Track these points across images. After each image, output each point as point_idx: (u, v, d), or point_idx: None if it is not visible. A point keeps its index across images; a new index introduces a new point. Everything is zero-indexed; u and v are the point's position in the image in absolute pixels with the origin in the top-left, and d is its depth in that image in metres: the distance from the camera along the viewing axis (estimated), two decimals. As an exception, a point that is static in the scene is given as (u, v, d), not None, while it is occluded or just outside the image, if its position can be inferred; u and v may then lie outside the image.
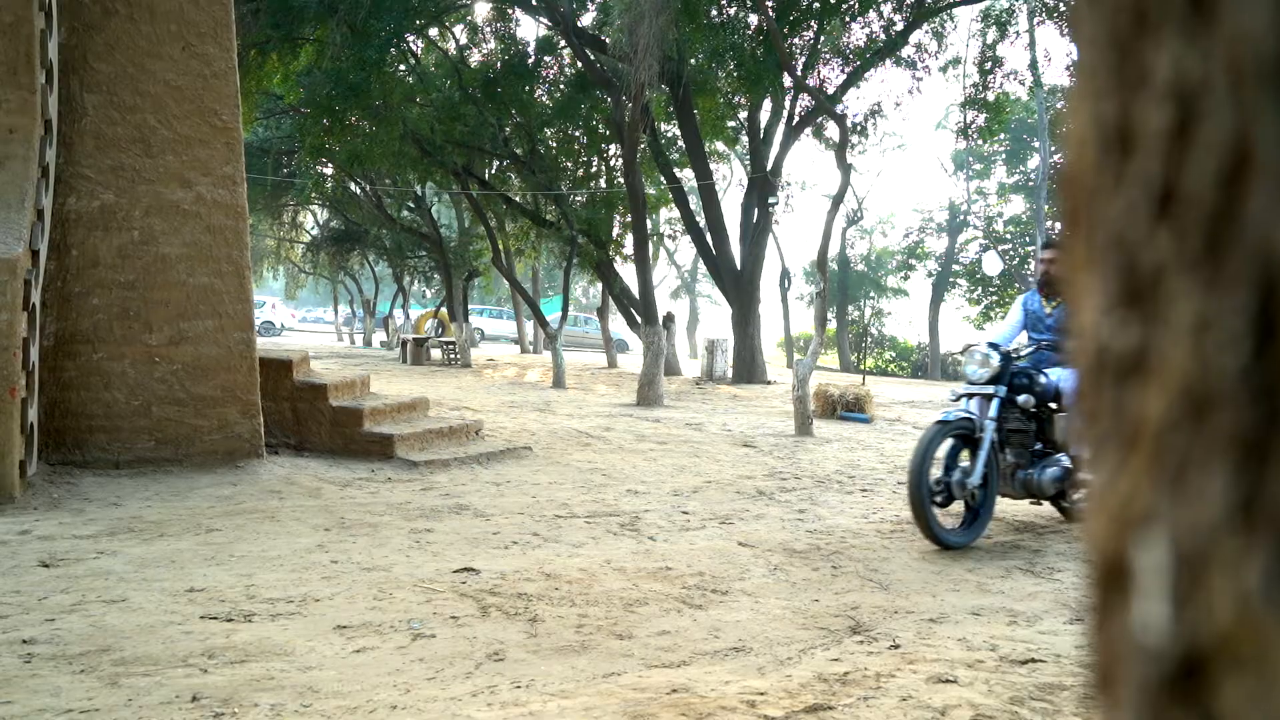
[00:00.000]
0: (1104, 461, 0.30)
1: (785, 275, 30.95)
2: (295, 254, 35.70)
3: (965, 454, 5.06)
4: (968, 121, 16.94)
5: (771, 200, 18.15)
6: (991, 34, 16.45)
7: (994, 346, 5.14)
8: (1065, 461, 5.10)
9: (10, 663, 2.78)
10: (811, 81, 16.22)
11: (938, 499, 4.79)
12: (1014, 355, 5.17)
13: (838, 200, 10.90)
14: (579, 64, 17.52)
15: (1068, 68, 16.34)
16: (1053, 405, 5.24)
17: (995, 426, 5.04)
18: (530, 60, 18.84)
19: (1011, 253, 30.76)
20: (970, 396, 5.04)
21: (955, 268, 33.19)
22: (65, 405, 6.09)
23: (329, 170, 23.50)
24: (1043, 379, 5.19)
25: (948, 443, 4.96)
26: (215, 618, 3.29)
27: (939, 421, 4.86)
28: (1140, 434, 0.28)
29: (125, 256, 6.28)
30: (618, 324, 27.46)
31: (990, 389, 4.98)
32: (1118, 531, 0.29)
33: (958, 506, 5.17)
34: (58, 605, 3.37)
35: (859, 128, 17.75)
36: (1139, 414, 0.29)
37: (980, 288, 32.19)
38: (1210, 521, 0.26)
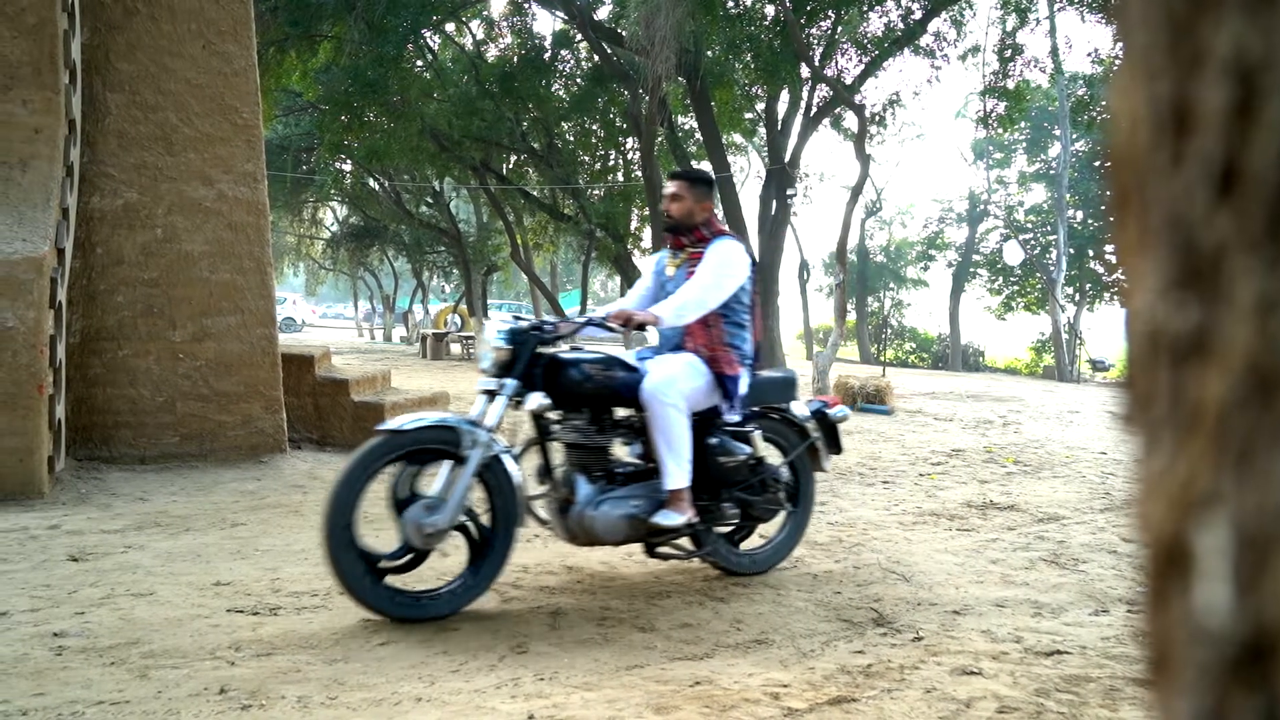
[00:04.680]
0: (1160, 444, 0.30)
1: (804, 267, 30.86)
2: (315, 250, 35.92)
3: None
4: (988, 110, 16.79)
5: (790, 192, 18.07)
6: (1011, 21, 16.28)
7: (520, 319, 3.65)
8: (656, 491, 3.62)
9: (42, 655, 2.82)
10: (829, 72, 16.13)
11: (386, 551, 3.32)
12: (544, 331, 3.54)
13: (856, 191, 10.85)
14: (595, 57, 17.50)
15: (1090, 54, 16.16)
16: (629, 409, 3.73)
17: (520, 438, 3.72)
18: (547, 54, 18.84)
19: (1033, 242, 30.50)
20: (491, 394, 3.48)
21: (975, 258, 32.95)
22: (91, 402, 6.15)
23: (348, 166, 23.60)
24: (617, 372, 3.66)
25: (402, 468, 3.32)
26: (241, 611, 3.32)
27: (387, 431, 3.26)
28: (1201, 415, 0.28)
29: (149, 254, 6.34)
30: (636, 317, 27.37)
31: (495, 384, 3.48)
32: (1176, 514, 0.29)
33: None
34: (87, 599, 3.41)
35: (877, 118, 17.64)
36: (1199, 395, 0.28)
37: (1001, 278, 31.96)
38: (1277, 503, 0.25)
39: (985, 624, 3.39)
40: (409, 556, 3.34)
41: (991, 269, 32.30)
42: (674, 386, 3.58)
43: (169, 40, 6.42)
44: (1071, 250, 27.04)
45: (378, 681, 2.70)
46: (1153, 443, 0.31)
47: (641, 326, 3.59)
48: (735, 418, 3.86)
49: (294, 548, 4.31)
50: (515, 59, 18.63)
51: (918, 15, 15.86)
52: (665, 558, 3.88)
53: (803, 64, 14.21)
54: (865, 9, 15.40)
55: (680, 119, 19.01)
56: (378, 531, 4.11)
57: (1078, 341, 26.46)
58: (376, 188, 25.75)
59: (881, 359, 25.14)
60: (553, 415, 3.66)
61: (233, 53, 6.60)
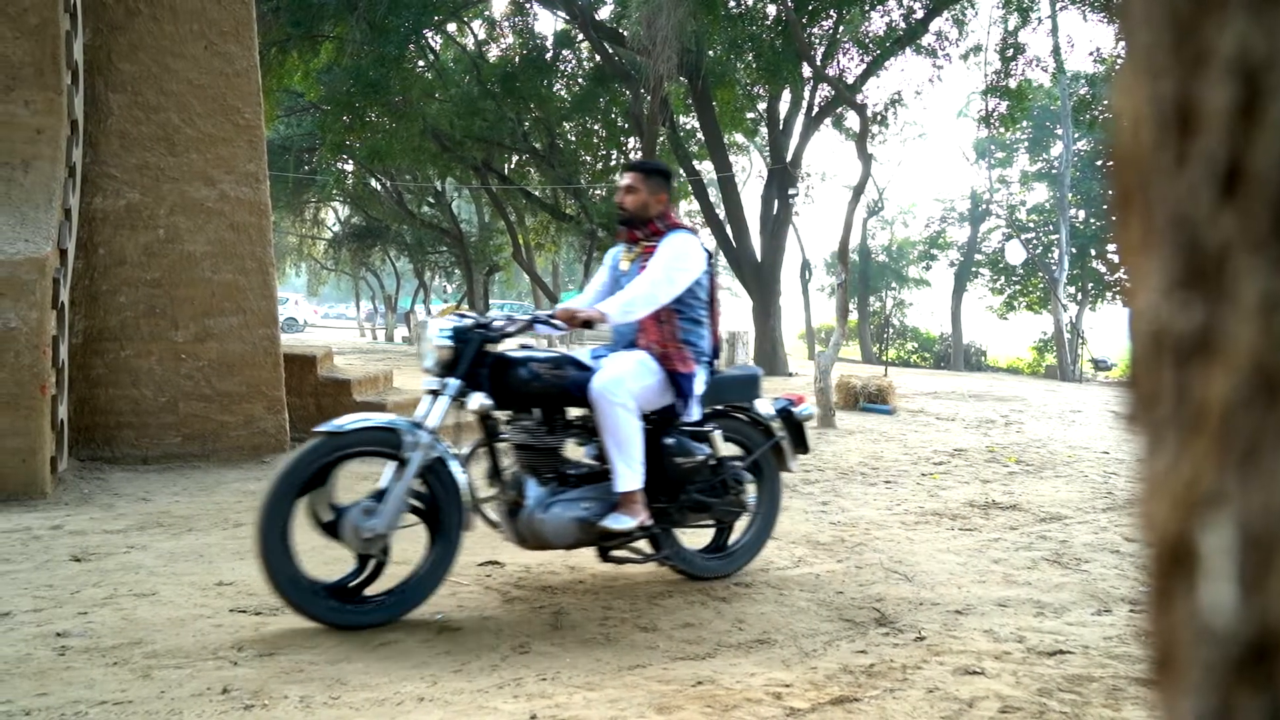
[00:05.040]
0: (1165, 444, 0.30)
1: (806, 266, 30.86)
2: (317, 250, 35.95)
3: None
4: (989, 109, 16.78)
5: (791, 191, 18.08)
6: (1013, 20, 16.28)
7: (464, 316, 3.53)
8: (608, 493, 3.52)
9: (45, 655, 2.83)
10: (831, 71, 16.13)
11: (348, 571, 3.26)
12: (489, 329, 3.43)
13: (858, 191, 10.84)
14: (597, 57, 17.51)
15: (1092, 53, 16.15)
16: (583, 409, 3.59)
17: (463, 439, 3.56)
18: (548, 54, 18.86)
19: (1035, 241, 30.48)
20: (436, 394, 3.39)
21: (977, 257, 32.94)
22: (94, 402, 6.16)
23: (350, 167, 23.63)
24: (569, 371, 3.54)
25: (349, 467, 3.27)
26: (244, 611, 3.33)
27: (325, 432, 3.17)
28: (1205, 415, 0.28)
29: (151, 254, 6.35)
30: (638, 317, 27.41)
31: (438, 383, 3.39)
32: (1181, 514, 0.29)
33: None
34: (90, 599, 3.42)
35: (879, 117, 17.64)
36: (1203, 395, 0.28)
37: (1003, 277, 31.94)
38: (1282, 502, 0.25)
39: (988, 624, 3.39)
40: (373, 566, 3.26)
41: (993, 268, 32.29)
42: (622, 385, 3.46)
43: (171, 41, 6.43)
44: (1074, 250, 27.03)
45: (380, 681, 2.70)
46: (1157, 442, 0.31)
47: (587, 324, 3.49)
48: (693, 417, 3.73)
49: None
50: (517, 59, 18.65)
51: (919, 14, 15.86)
52: (620, 561, 3.74)
53: (804, 63, 14.21)
54: (867, 8, 15.40)
55: (682, 119, 19.02)
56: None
57: (1080, 341, 26.45)
58: (378, 188, 25.78)
59: (883, 359, 25.13)
60: (501, 416, 3.56)
61: (235, 53, 6.60)
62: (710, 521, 3.96)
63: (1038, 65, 16.81)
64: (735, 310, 46.79)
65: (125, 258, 6.29)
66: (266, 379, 6.57)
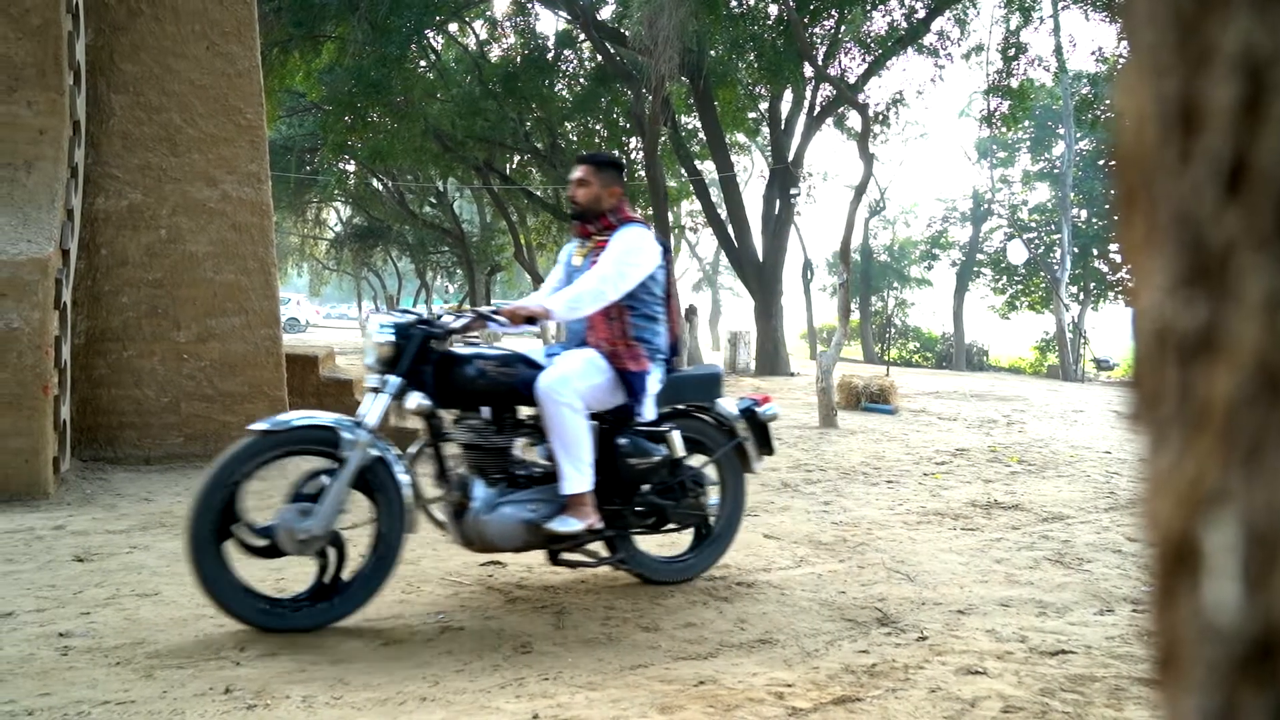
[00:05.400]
0: (1168, 442, 0.30)
1: (808, 266, 30.86)
2: (319, 251, 35.98)
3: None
4: (991, 109, 16.77)
5: (793, 191, 18.08)
6: (1015, 20, 16.27)
7: (408, 312, 3.48)
8: (558, 495, 3.42)
9: (48, 655, 2.83)
10: (832, 71, 16.13)
11: (257, 547, 3.12)
12: (432, 326, 3.36)
13: (860, 190, 10.84)
14: (599, 57, 17.51)
15: (1094, 53, 16.14)
16: (524, 408, 3.51)
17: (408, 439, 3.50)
18: (550, 54, 18.87)
19: (1037, 241, 30.46)
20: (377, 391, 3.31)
21: (979, 257, 32.92)
22: (96, 402, 6.17)
23: (351, 167, 23.65)
24: (518, 369, 3.44)
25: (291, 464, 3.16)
26: (247, 611, 3.33)
27: (258, 431, 3.11)
28: (1209, 413, 0.28)
29: (153, 255, 6.35)
30: (639, 317, 27.43)
31: (379, 380, 3.30)
32: (1185, 512, 0.29)
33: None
34: (92, 599, 3.42)
35: (881, 117, 17.63)
36: (1207, 393, 0.28)
37: (1005, 277, 31.92)
38: (1286, 500, 0.25)
39: (990, 623, 3.39)
40: (335, 557, 3.18)
41: (995, 268, 32.26)
42: (568, 384, 3.37)
43: (173, 41, 6.43)
44: (1076, 249, 27.00)
45: (382, 681, 2.70)
46: (1160, 441, 0.31)
47: (531, 320, 3.40)
48: (648, 417, 3.62)
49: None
50: (518, 59, 18.66)
51: (921, 14, 15.86)
52: (572, 565, 3.65)
53: (806, 63, 14.21)
54: (869, 8, 15.40)
55: (683, 119, 19.02)
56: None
57: (1082, 341, 26.42)
58: (380, 188, 25.80)
59: (885, 358, 25.11)
60: (447, 415, 3.47)
61: (236, 54, 6.61)
62: (669, 525, 3.83)
63: (1040, 65, 16.81)
64: (737, 310, 46.84)
65: (127, 258, 6.30)
66: (268, 379, 6.57)
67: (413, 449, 3.44)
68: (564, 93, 19.41)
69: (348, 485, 3.13)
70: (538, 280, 23.41)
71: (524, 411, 3.56)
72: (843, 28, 16.10)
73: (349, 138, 18.00)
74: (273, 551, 3.12)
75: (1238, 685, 0.27)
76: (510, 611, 3.43)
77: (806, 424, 9.72)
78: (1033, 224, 31.62)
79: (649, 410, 3.62)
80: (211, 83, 6.52)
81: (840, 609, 3.58)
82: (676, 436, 3.74)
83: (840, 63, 17.07)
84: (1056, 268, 25.61)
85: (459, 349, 3.45)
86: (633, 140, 19.04)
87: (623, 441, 3.57)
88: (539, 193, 20.84)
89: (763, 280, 17.69)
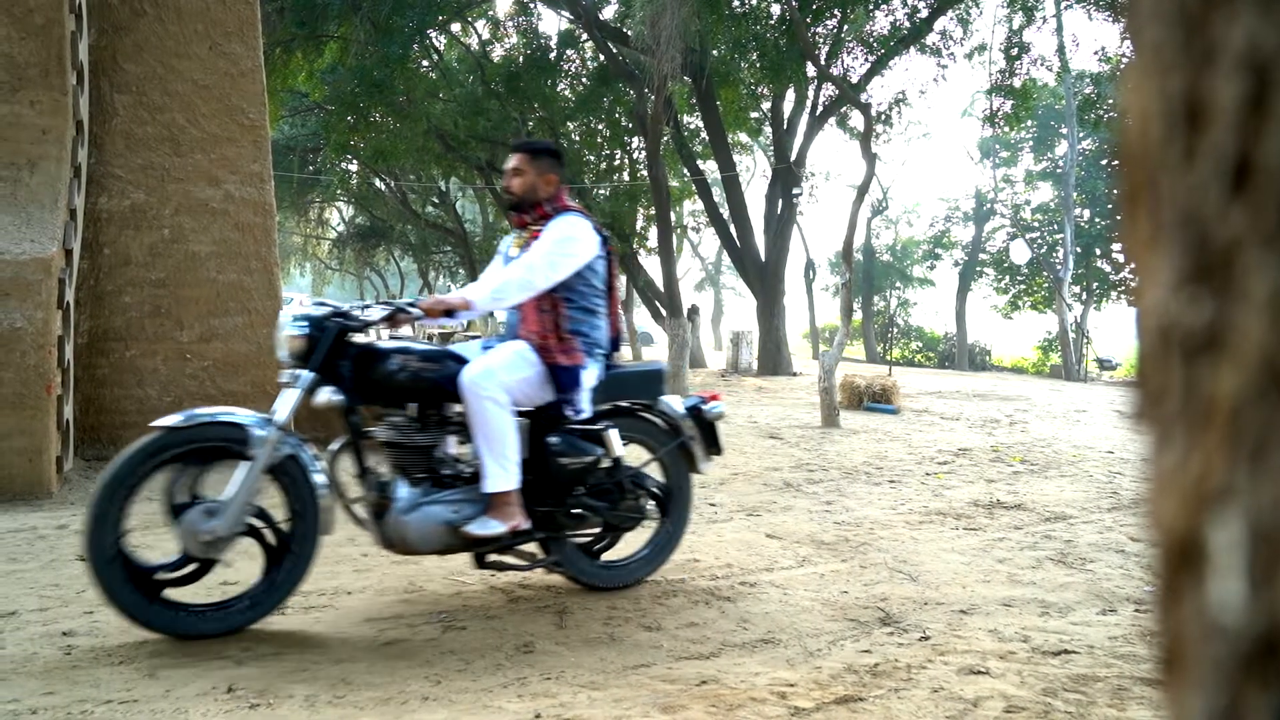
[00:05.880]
0: (1173, 440, 0.30)
1: (810, 266, 30.86)
2: (322, 250, 36.01)
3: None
4: (994, 109, 16.76)
5: (795, 191, 18.07)
6: (1018, 19, 16.25)
7: (323, 304, 3.30)
8: (477, 493, 3.30)
9: (52, 654, 2.83)
10: (835, 70, 16.12)
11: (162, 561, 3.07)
12: (348, 318, 3.21)
13: (862, 190, 10.83)
14: (601, 57, 17.51)
15: (1097, 52, 16.11)
16: (456, 405, 3.34)
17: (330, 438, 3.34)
18: (552, 54, 18.87)
19: (1039, 241, 30.44)
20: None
21: (982, 257, 32.91)
22: (99, 402, 6.18)
23: (354, 167, 23.66)
24: (444, 364, 3.31)
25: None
26: (249, 610, 3.33)
27: (162, 427, 2.97)
28: (1214, 410, 0.28)
29: (156, 254, 6.36)
30: (642, 317, 27.49)
31: (290, 375, 3.19)
32: (1189, 510, 0.29)
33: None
34: (95, 598, 3.41)
35: (883, 117, 17.62)
36: (1212, 390, 0.28)
37: (1008, 277, 31.90)
38: (1291, 498, 0.25)
39: (992, 623, 3.39)
40: (192, 567, 3.05)
41: (998, 268, 32.25)
42: (493, 378, 3.23)
43: (175, 41, 6.44)
44: (1078, 249, 26.99)
45: (385, 680, 2.70)
46: (1165, 438, 0.31)
47: (450, 313, 3.27)
48: (582, 414, 3.46)
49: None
50: (521, 59, 18.66)
51: (924, 14, 15.85)
52: (500, 568, 3.48)
53: (809, 63, 14.20)
54: (871, 8, 15.39)
55: (686, 118, 19.02)
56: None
57: (1085, 340, 26.40)
58: (382, 188, 25.81)
59: (888, 358, 25.10)
60: (368, 411, 3.32)
61: (239, 54, 6.62)
62: (605, 527, 3.69)
63: (1042, 64, 16.79)
64: (739, 310, 46.84)
65: (130, 258, 6.31)
66: (271, 379, 6.57)
67: (334, 446, 3.32)
68: (566, 92, 19.41)
69: (255, 485, 3.01)
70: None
71: (457, 408, 3.38)
72: (845, 27, 16.09)
73: (351, 137, 18.02)
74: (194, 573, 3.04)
75: (1242, 683, 0.27)
76: (512, 611, 3.43)
77: (809, 424, 9.71)
78: (1035, 223, 31.60)
79: (584, 407, 3.47)
80: (214, 83, 6.53)
81: (843, 609, 3.58)
82: (614, 435, 3.58)
83: (843, 62, 17.06)
84: (1059, 267, 25.59)
85: (382, 343, 3.30)
86: (635, 140, 19.03)
87: (554, 440, 3.42)
88: (541, 192, 20.83)
89: (765, 280, 17.68)
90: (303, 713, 2.45)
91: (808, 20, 14.36)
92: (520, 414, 3.38)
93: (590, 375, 3.49)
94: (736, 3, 14.80)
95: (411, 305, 3.28)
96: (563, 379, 3.39)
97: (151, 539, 4.08)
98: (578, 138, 19.92)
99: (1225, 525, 0.28)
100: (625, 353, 23.63)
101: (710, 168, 20.00)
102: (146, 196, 6.36)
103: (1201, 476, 0.29)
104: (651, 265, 19.58)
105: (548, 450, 3.41)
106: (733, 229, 17.97)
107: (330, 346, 3.15)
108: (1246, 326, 0.27)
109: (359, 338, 3.28)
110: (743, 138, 21.86)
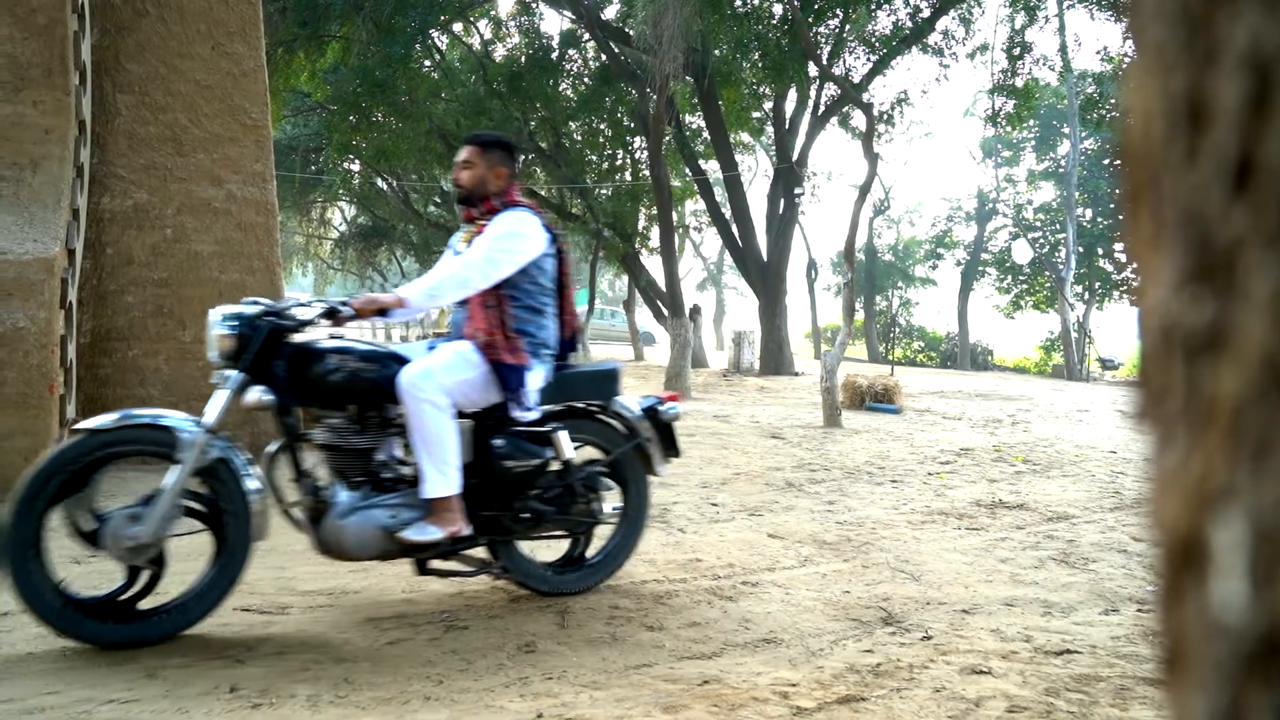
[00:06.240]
0: (1175, 439, 0.30)
1: (812, 266, 30.85)
2: (324, 250, 36.03)
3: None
4: (996, 108, 16.75)
5: (797, 190, 18.05)
6: (1020, 19, 16.25)
7: (257, 302, 3.19)
8: (418, 498, 3.19)
9: (53, 654, 2.84)
10: (837, 70, 16.11)
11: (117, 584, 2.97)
12: (281, 316, 3.12)
13: (864, 190, 10.83)
14: (603, 57, 17.51)
15: (1099, 52, 16.10)
16: (386, 410, 3.24)
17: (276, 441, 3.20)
18: (554, 54, 18.86)
19: (1041, 240, 30.42)
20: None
21: (984, 256, 32.88)
22: (102, 401, 6.18)
23: (356, 167, 23.67)
24: (385, 364, 3.21)
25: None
26: (251, 610, 3.34)
27: (85, 430, 2.89)
28: (1216, 410, 0.28)
29: (158, 254, 6.37)
30: (644, 317, 27.48)
31: (219, 376, 3.09)
32: (1192, 510, 0.29)
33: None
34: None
35: (885, 116, 17.62)
36: (1214, 390, 0.28)
37: (1010, 276, 31.88)
38: (1293, 498, 0.25)
39: (995, 623, 3.38)
40: (146, 575, 2.97)
41: (1000, 267, 32.23)
42: (431, 379, 3.13)
43: (178, 41, 6.45)
44: (1080, 249, 26.96)
45: (387, 680, 2.71)
46: (1167, 438, 0.31)
47: (383, 311, 3.19)
48: (529, 415, 3.36)
49: (301, 547, 4.32)
50: (523, 58, 18.66)
51: (926, 13, 15.84)
52: (442, 575, 3.40)
53: (810, 63, 14.19)
54: (873, 7, 15.39)
55: (688, 118, 19.02)
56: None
57: (1087, 340, 26.37)
58: (384, 188, 25.82)
59: (890, 358, 25.09)
60: (305, 413, 3.25)
61: (241, 53, 6.62)
62: (558, 532, 3.61)
63: (1045, 64, 16.78)
64: (741, 310, 46.82)
65: (133, 258, 6.31)
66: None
67: (271, 449, 3.24)
68: (568, 92, 19.41)
69: (181, 489, 2.93)
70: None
71: (398, 410, 3.26)
72: (847, 27, 16.08)
73: (354, 137, 18.02)
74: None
75: (1244, 683, 0.27)
76: (514, 610, 3.43)
77: (811, 423, 9.71)
78: (1037, 223, 31.57)
79: (531, 408, 3.37)
80: (217, 82, 6.54)
81: (845, 608, 3.58)
82: (563, 437, 3.49)
83: (845, 62, 17.06)
84: (1061, 267, 25.57)
85: (320, 342, 3.20)
86: (637, 140, 19.02)
87: (499, 442, 3.33)
88: (543, 192, 20.84)
89: (767, 280, 17.67)
90: (305, 712, 2.46)
91: (810, 20, 14.36)
92: (465, 416, 3.30)
93: (537, 376, 3.40)
94: (738, 2, 14.79)
95: (344, 304, 3.20)
96: (507, 379, 3.28)
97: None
98: (580, 137, 19.92)
99: (1227, 525, 0.28)
100: (624, 353, 23.62)
101: (712, 167, 20.00)
102: (149, 196, 6.36)
103: (1204, 476, 0.29)
104: (653, 265, 19.58)
105: (492, 453, 3.31)
106: (735, 229, 17.97)
107: (264, 346, 3.06)
108: (1248, 326, 0.27)
109: (299, 337, 3.17)
110: (745, 137, 21.85)
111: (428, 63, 18.36)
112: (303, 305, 3.19)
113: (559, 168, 19.31)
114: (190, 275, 6.42)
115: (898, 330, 33.13)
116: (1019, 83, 16.09)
